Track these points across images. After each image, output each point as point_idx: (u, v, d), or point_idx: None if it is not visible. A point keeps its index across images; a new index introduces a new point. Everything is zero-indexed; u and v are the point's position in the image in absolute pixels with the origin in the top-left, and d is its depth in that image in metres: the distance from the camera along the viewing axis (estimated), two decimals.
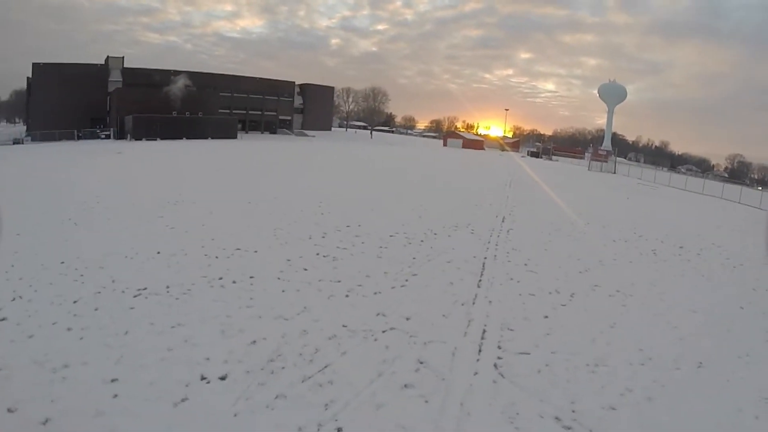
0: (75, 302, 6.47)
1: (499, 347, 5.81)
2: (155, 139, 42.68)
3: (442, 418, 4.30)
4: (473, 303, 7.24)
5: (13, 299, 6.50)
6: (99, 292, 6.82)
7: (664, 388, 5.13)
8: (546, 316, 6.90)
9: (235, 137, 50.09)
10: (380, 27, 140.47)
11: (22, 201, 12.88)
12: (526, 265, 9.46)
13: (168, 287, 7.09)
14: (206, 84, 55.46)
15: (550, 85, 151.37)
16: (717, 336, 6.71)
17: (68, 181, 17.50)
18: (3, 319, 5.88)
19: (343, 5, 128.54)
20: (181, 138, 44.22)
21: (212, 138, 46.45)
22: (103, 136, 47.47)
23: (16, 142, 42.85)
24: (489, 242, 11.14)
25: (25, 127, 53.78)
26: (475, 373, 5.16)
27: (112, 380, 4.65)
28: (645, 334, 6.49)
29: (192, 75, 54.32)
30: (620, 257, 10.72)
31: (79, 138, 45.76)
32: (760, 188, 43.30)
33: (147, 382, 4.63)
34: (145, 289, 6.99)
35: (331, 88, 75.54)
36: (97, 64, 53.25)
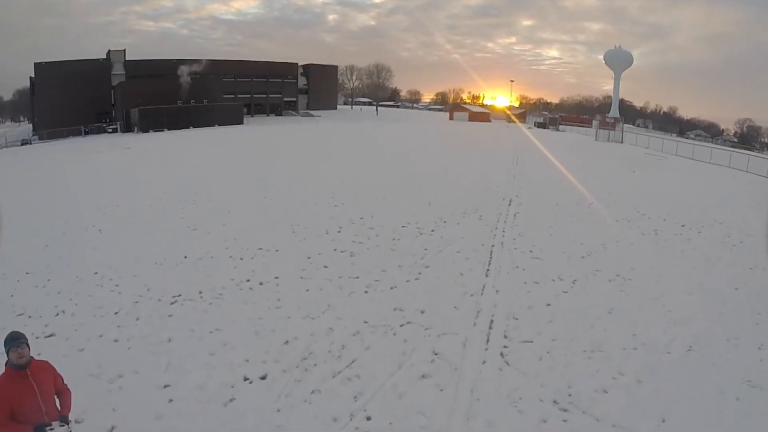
0: (116, 313, 6.95)
1: (505, 336, 6.39)
2: (162, 130, 43.15)
3: (455, 404, 4.92)
4: (481, 293, 7.82)
5: (57, 314, 6.92)
6: (137, 302, 7.33)
7: (653, 371, 5.59)
8: (548, 304, 7.44)
9: (241, 122, 50.38)
10: (377, 0, 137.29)
11: (43, 209, 13.53)
12: (531, 251, 9.97)
13: (201, 292, 7.69)
14: (209, 71, 55.41)
15: (554, 52, 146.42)
16: (709, 319, 7.02)
17: (84, 183, 18.09)
18: (51, 335, 6.28)
19: None
20: (188, 127, 44.62)
21: (219, 125, 46.76)
22: (110, 130, 47.96)
23: (25, 142, 43.08)
24: (496, 228, 11.66)
25: (30, 126, 54.20)
26: (484, 362, 5.75)
27: (165, 386, 5.15)
28: (640, 319, 6.96)
29: (194, 63, 54.30)
30: (622, 239, 11.14)
31: (86, 134, 46.27)
32: None
33: (196, 385, 5.18)
34: (180, 295, 7.57)
35: (335, 67, 74.78)
36: (99, 59, 53.29)
